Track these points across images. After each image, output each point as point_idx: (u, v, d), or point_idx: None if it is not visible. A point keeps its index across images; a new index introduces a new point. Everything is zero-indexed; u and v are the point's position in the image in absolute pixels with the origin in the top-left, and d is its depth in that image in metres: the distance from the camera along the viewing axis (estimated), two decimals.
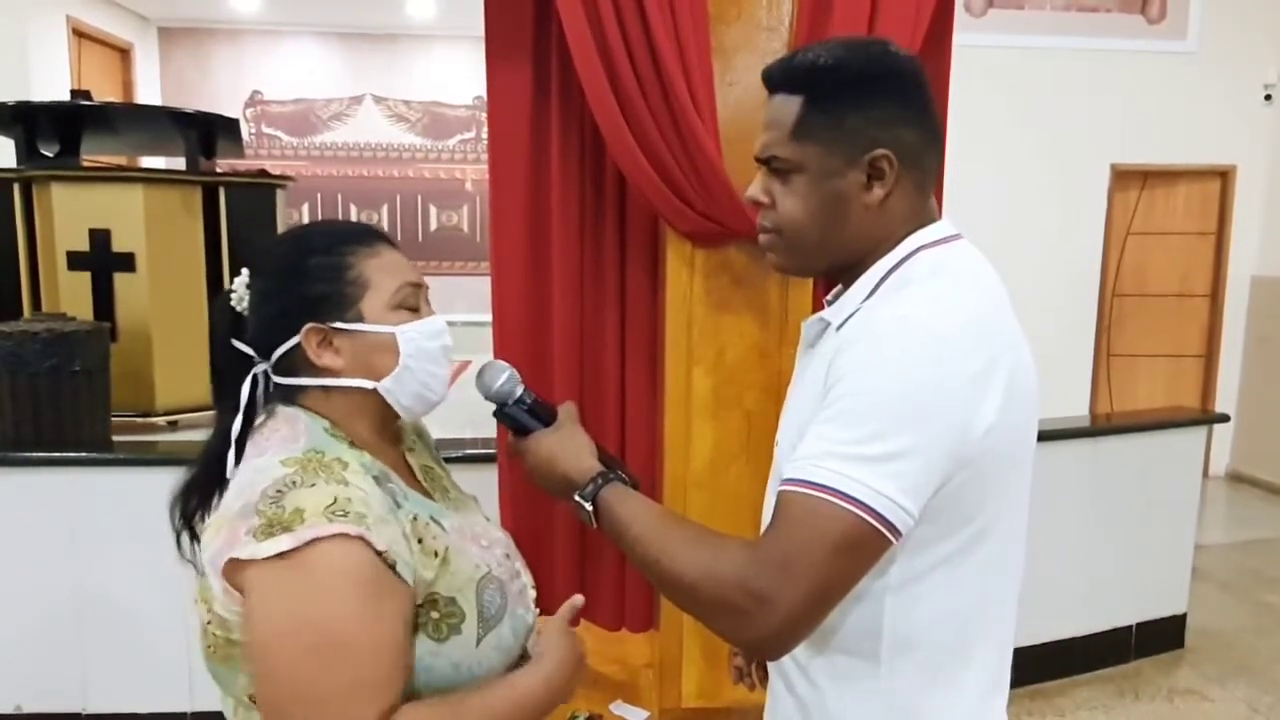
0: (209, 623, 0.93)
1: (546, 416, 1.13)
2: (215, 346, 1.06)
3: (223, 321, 1.05)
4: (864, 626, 0.96)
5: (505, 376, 1.13)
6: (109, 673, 2.64)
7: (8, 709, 2.65)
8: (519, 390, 1.13)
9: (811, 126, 0.97)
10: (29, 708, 2.65)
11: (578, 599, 1.10)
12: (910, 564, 0.93)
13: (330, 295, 1.01)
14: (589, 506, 1.02)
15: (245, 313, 1.05)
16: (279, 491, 0.89)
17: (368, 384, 1.02)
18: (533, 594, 1.12)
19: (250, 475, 0.93)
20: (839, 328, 0.99)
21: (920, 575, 0.94)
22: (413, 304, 1.05)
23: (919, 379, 0.87)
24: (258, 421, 1.03)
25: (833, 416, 0.89)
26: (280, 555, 0.85)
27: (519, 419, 1.13)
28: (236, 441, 1.01)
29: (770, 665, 1.13)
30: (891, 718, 0.98)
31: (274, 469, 0.92)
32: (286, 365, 1.03)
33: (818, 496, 0.86)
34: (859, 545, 0.86)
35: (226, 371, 1.05)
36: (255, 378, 1.04)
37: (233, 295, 1.05)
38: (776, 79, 1.01)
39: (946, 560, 0.94)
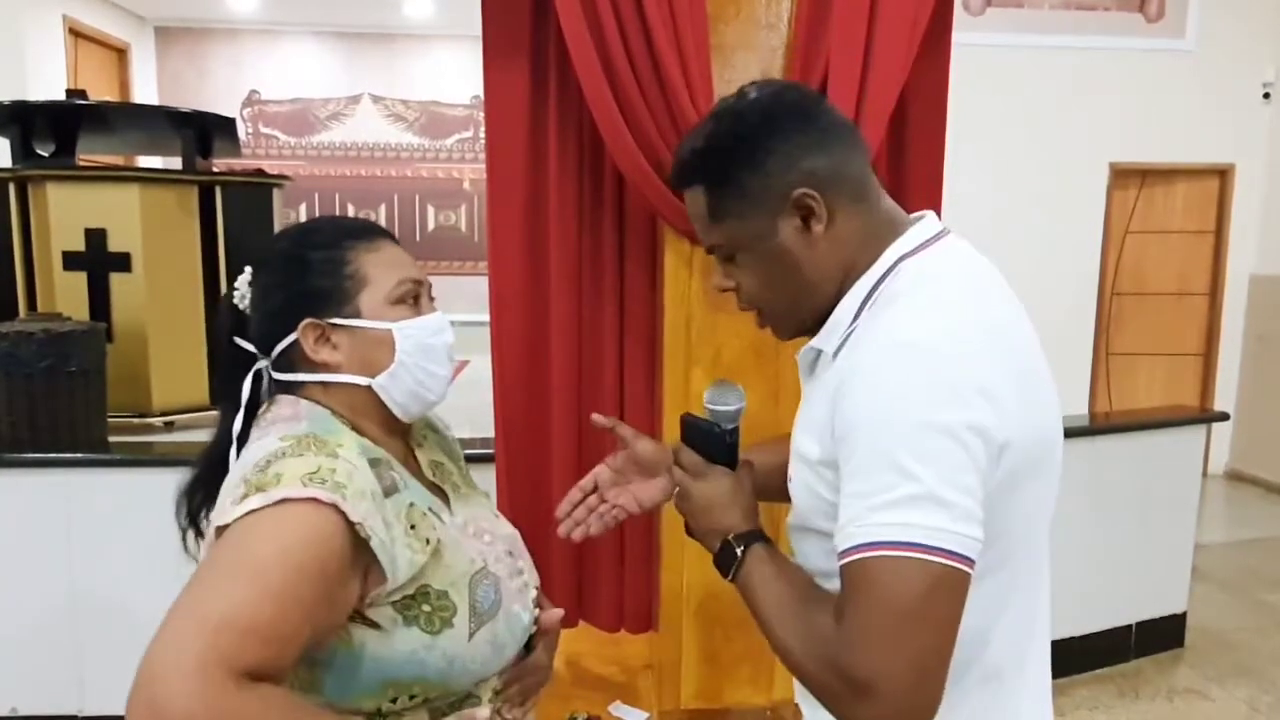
0: None
1: (734, 459, 1.11)
2: (218, 345, 1.07)
3: (226, 320, 1.05)
4: None
5: (740, 406, 1.11)
6: (105, 674, 2.63)
7: (4, 711, 2.64)
8: (737, 424, 1.11)
9: (723, 207, 0.96)
10: (25, 709, 2.64)
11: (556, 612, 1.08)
12: None
13: (328, 290, 1.01)
14: (739, 549, 0.98)
15: (248, 311, 1.05)
16: (268, 462, 0.88)
17: (362, 380, 1.02)
18: (534, 593, 1.12)
19: (250, 453, 0.94)
20: (835, 354, 0.95)
21: None
22: (413, 300, 1.04)
23: (926, 406, 0.82)
24: (260, 411, 1.03)
25: (855, 472, 0.84)
26: (250, 513, 0.84)
27: (723, 448, 1.09)
28: (240, 437, 1.00)
29: (799, 691, 1.08)
30: None
31: (272, 444, 0.91)
32: (286, 362, 1.03)
33: (884, 556, 0.80)
34: (945, 589, 0.80)
35: (229, 370, 1.05)
36: (256, 375, 1.04)
37: (236, 293, 1.05)
38: (677, 181, 1.01)
39: (979, 579, 0.86)
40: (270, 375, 1.05)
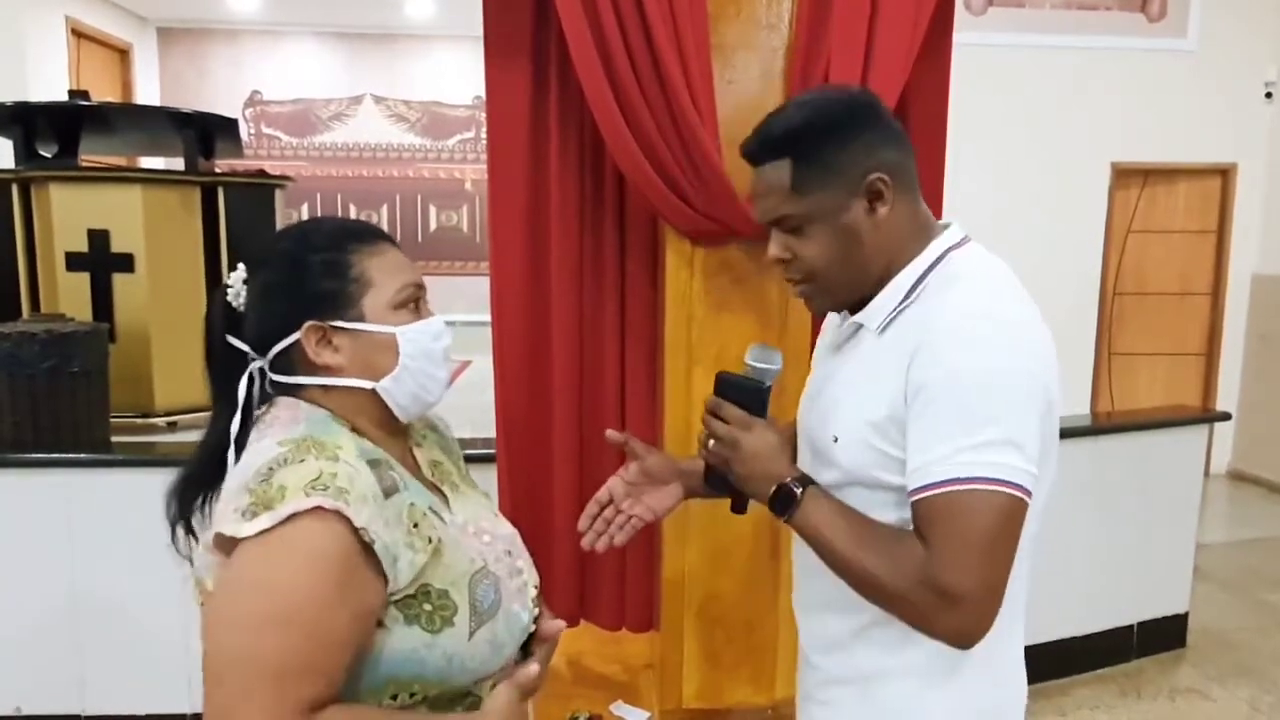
0: (202, 604, 0.93)
1: (766, 414, 1.18)
2: (211, 343, 1.06)
3: (219, 317, 1.05)
4: None
5: (780, 367, 1.18)
6: (108, 673, 2.64)
7: (7, 710, 2.64)
8: (773, 383, 1.19)
9: (807, 180, 1.06)
10: (28, 709, 2.65)
11: (532, 668, 1.05)
12: None
13: (332, 293, 1.00)
14: (799, 490, 1.08)
15: (242, 309, 1.04)
16: (270, 470, 0.89)
17: (366, 384, 1.02)
18: (534, 592, 1.12)
19: (249, 458, 0.94)
20: (882, 330, 1.08)
21: None
22: (414, 304, 1.05)
23: (1008, 366, 0.98)
24: (258, 413, 1.03)
25: (944, 416, 0.97)
26: (261, 533, 0.85)
27: (762, 404, 1.17)
28: (236, 438, 1.00)
29: (812, 644, 1.20)
30: (939, 677, 1.07)
31: (271, 450, 0.92)
32: (284, 362, 1.03)
33: (968, 489, 0.94)
34: (1014, 518, 0.96)
35: (222, 368, 1.04)
36: (252, 375, 1.04)
37: (229, 291, 1.04)
38: (759, 151, 1.11)
39: None
40: (268, 375, 1.04)
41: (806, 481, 1.09)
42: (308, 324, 1.00)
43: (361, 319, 1.01)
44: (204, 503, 1.01)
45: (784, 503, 1.09)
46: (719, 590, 2.11)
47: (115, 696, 2.64)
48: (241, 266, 1.05)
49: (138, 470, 2.65)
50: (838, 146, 1.06)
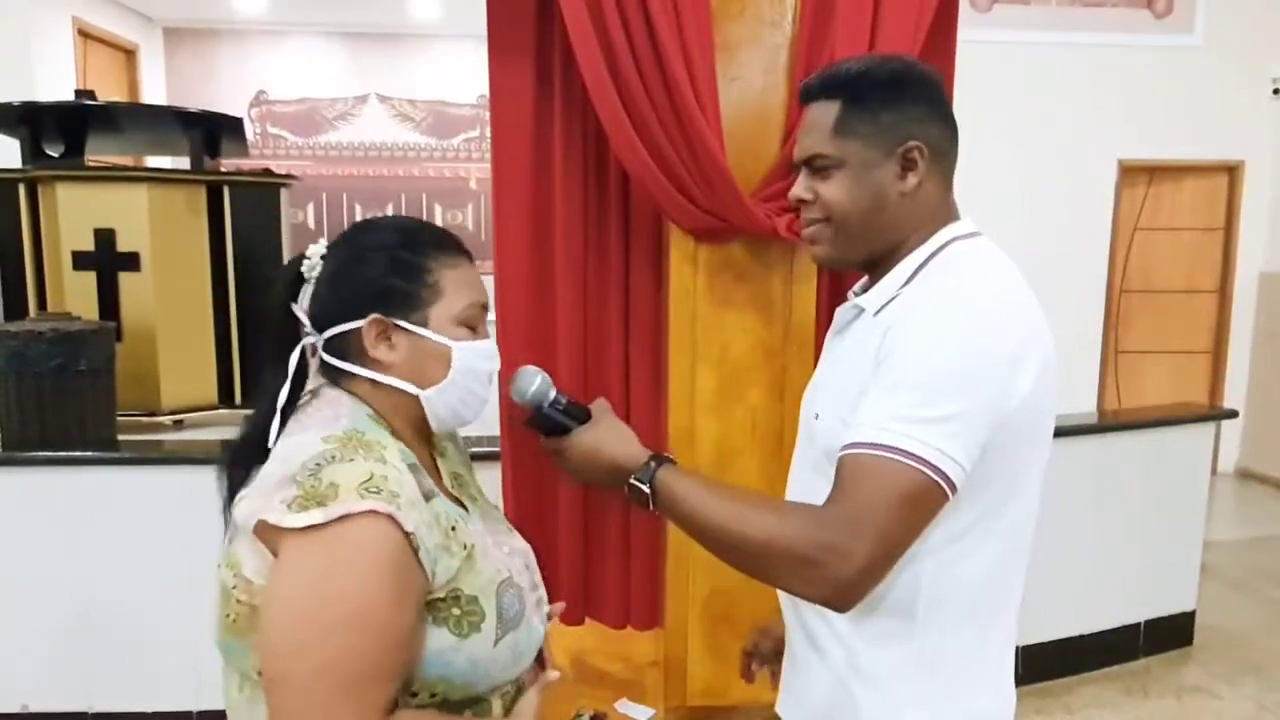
0: (234, 588, 0.93)
1: (582, 415, 1.16)
2: (273, 308, 1.07)
3: (286, 284, 1.06)
4: (904, 589, 1.04)
5: (539, 381, 1.15)
6: (115, 672, 2.65)
7: (14, 708, 2.65)
8: (553, 393, 1.15)
9: (851, 124, 1.08)
10: (35, 707, 2.66)
11: (552, 675, 1.11)
12: (949, 526, 1.01)
13: (405, 292, 1.02)
14: (646, 488, 1.07)
15: (311, 281, 1.05)
16: (317, 465, 0.89)
17: (412, 388, 1.03)
18: (547, 608, 1.14)
19: (291, 449, 0.94)
20: (877, 312, 1.08)
21: (956, 537, 1.03)
22: (475, 324, 1.06)
23: (970, 352, 0.98)
24: (302, 400, 1.04)
25: (892, 385, 0.98)
26: (312, 528, 0.86)
27: (556, 420, 1.15)
28: (282, 412, 1.01)
29: (798, 637, 1.18)
30: (925, 673, 1.06)
31: (315, 444, 0.92)
32: (339, 346, 1.03)
33: (885, 456, 0.94)
34: (923, 499, 0.95)
35: (277, 336, 1.05)
36: (304, 349, 1.05)
37: (306, 262, 1.06)
38: (815, 89, 1.12)
39: (978, 522, 1.03)
40: (320, 355, 1.05)
41: (653, 466, 1.07)
42: (373, 316, 1.01)
43: (425, 324, 1.02)
44: (248, 475, 1.01)
45: (639, 497, 1.08)
46: (724, 587, 2.11)
47: (122, 695, 2.65)
48: (322, 242, 1.07)
49: (144, 469, 2.64)
50: (888, 104, 1.07)
